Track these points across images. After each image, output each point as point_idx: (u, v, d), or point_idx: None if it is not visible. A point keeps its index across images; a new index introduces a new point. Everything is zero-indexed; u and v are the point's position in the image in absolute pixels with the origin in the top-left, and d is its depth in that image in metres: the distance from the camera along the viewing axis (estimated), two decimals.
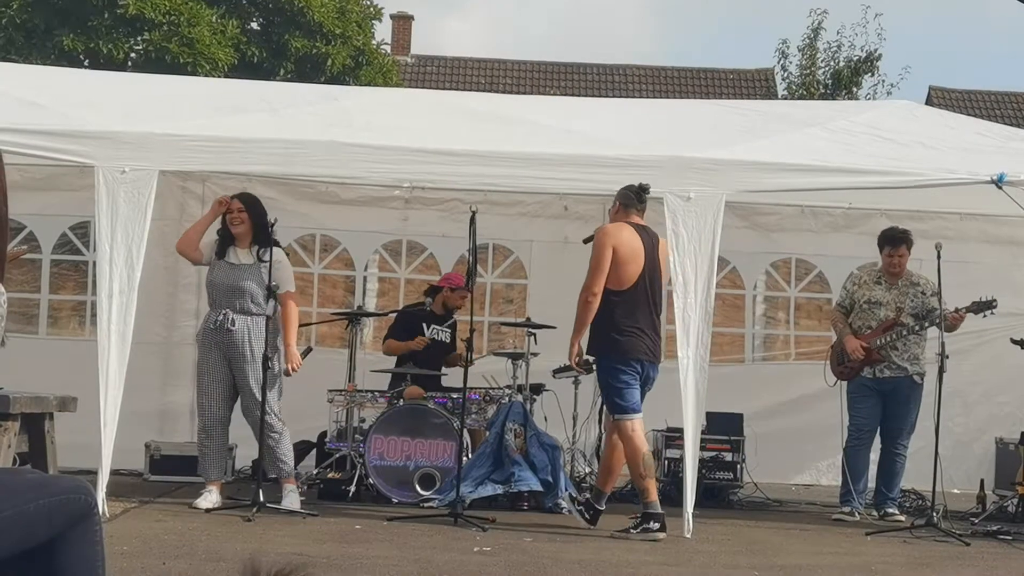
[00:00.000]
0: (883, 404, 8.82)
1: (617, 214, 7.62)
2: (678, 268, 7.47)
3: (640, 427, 7.41)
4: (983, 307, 8.62)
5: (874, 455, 8.93)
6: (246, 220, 7.97)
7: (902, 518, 8.54)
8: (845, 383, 8.96)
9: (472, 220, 7.74)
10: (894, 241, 8.85)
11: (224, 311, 7.87)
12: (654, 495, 7.31)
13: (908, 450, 8.83)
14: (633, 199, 7.56)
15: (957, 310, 8.53)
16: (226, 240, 8.03)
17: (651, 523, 7.21)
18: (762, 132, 8.53)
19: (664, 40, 79.52)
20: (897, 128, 8.72)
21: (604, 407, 9.22)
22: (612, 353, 7.43)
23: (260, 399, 7.74)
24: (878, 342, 8.74)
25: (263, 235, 7.95)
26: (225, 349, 7.88)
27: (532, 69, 33.97)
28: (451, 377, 9.26)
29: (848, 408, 8.90)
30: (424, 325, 9.43)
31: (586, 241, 7.75)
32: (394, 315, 9.80)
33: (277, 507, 7.64)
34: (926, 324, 8.71)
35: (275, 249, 7.94)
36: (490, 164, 7.78)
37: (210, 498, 7.75)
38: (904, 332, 8.70)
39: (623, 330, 7.40)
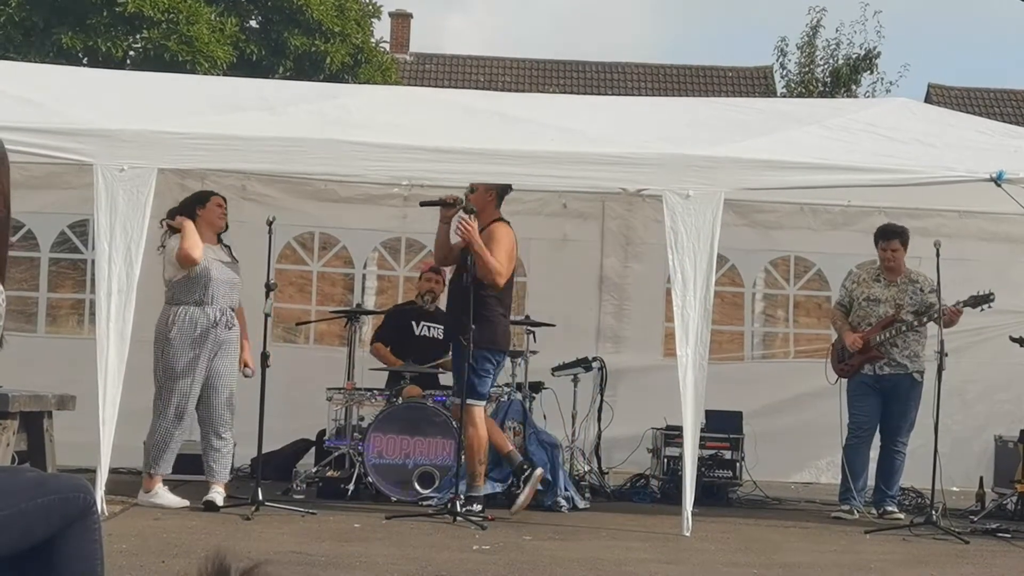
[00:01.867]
0: (883, 402, 8.82)
1: (491, 206, 7.98)
2: (677, 266, 7.48)
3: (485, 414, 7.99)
4: (981, 301, 8.64)
5: (873, 452, 8.93)
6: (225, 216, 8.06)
7: (901, 516, 8.54)
8: (845, 381, 8.97)
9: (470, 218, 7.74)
10: (886, 235, 8.88)
11: (223, 308, 7.86)
12: (483, 480, 7.89)
13: (907, 448, 8.83)
14: (504, 196, 8.08)
15: (956, 304, 8.54)
16: None
17: (475, 505, 7.71)
18: (761, 130, 8.52)
19: (663, 38, 79.59)
20: (896, 126, 8.72)
21: (600, 406, 9.31)
22: (490, 343, 7.79)
23: (232, 399, 7.80)
24: (878, 338, 8.75)
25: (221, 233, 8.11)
26: (216, 347, 7.82)
27: (531, 67, 33.96)
28: (448, 375, 9.23)
29: (848, 406, 8.91)
30: (414, 323, 9.42)
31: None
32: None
33: (276, 506, 7.65)
34: (925, 320, 8.72)
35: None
36: (489, 162, 7.77)
37: (165, 496, 7.76)
38: (904, 328, 8.71)
39: (499, 321, 7.88)
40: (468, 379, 7.70)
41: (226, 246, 8.11)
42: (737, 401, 9.64)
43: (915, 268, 9.00)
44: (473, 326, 7.58)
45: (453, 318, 7.90)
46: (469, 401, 7.74)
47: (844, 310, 9.04)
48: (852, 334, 8.82)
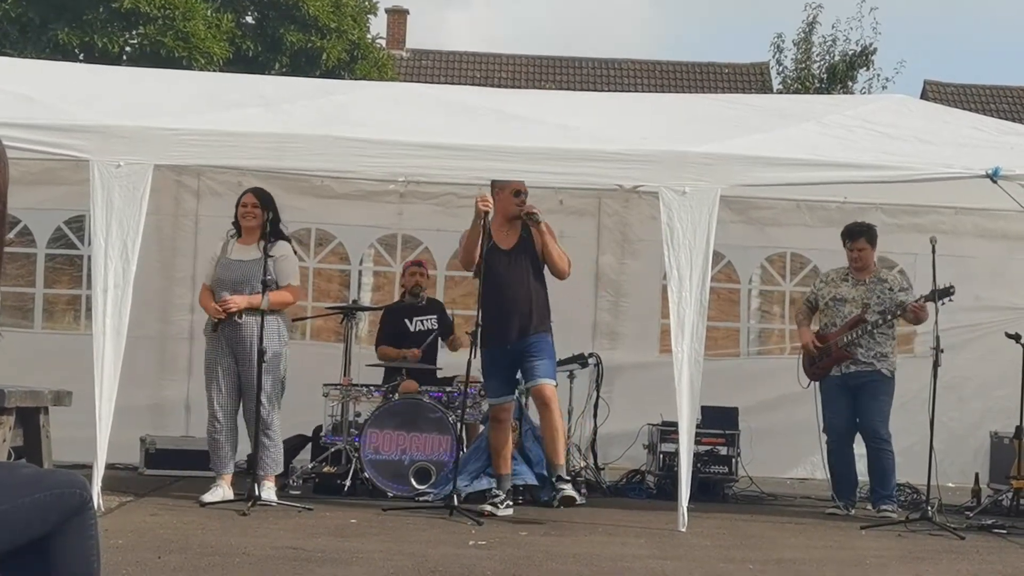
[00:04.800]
0: (854, 399, 8.74)
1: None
2: (673, 262, 7.48)
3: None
4: (942, 294, 8.35)
5: (861, 450, 8.87)
6: (259, 216, 7.97)
7: (893, 516, 8.41)
8: (818, 384, 8.91)
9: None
10: (852, 235, 8.79)
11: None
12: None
13: (893, 442, 8.61)
14: None
15: (918, 299, 8.34)
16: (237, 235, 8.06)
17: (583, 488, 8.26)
18: (757, 126, 8.52)
19: (660, 34, 79.59)
20: (892, 122, 8.72)
21: (596, 402, 9.32)
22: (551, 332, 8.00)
23: (258, 397, 7.71)
24: (844, 339, 8.67)
25: (274, 230, 7.94)
26: (233, 345, 7.85)
27: (528, 63, 33.94)
28: (446, 369, 9.24)
29: (823, 408, 8.84)
30: (407, 320, 9.41)
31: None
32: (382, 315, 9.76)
33: (273, 501, 7.64)
34: (889, 318, 8.62)
35: (282, 243, 7.95)
36: (486, 158, 7.77)
37: (219, 492, 7.73)
38: (869, 328, 8.62)
39: None
40: (550, 363, 7.77)
41: (273, 243, 7.85)
42: (733, 397, 9.65)
43: (887, 268, 8.88)
44: (480, 324, 7.60)
45: (533, 314, 7.83)
46: (556, 384, 7.82)
47: (809, 307, 8.98)
48: (808, 333, 8.79)
